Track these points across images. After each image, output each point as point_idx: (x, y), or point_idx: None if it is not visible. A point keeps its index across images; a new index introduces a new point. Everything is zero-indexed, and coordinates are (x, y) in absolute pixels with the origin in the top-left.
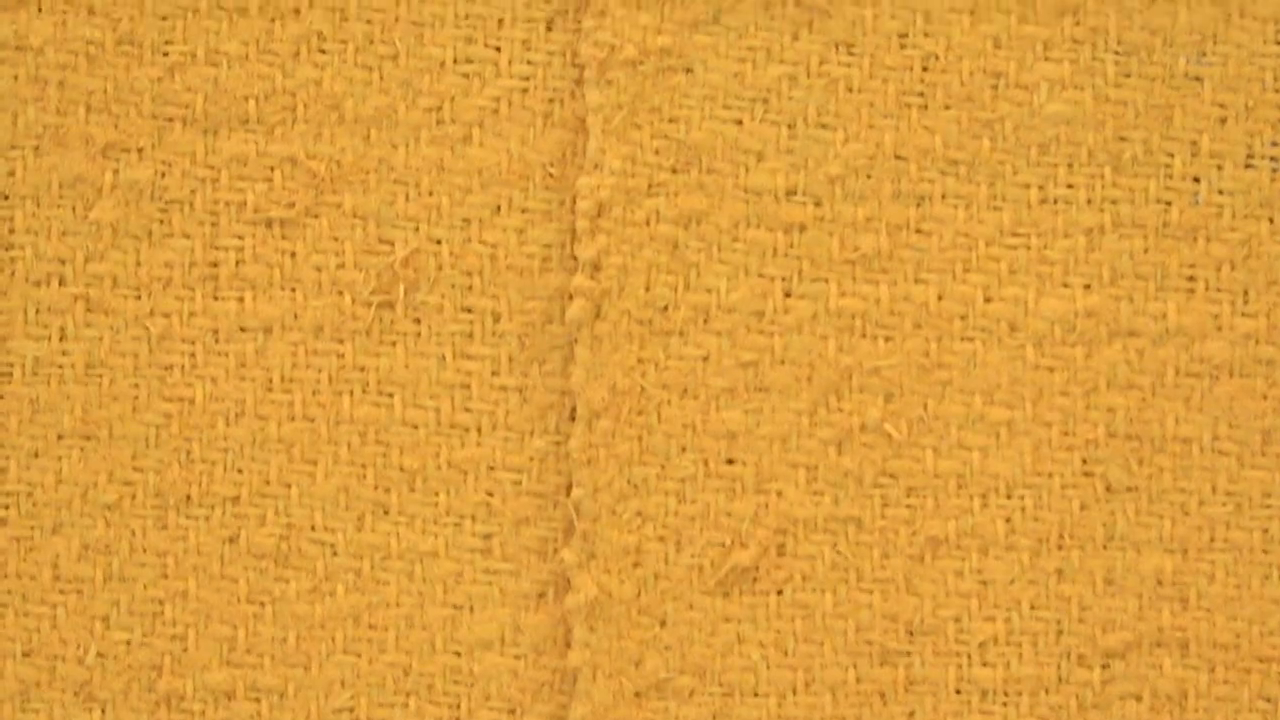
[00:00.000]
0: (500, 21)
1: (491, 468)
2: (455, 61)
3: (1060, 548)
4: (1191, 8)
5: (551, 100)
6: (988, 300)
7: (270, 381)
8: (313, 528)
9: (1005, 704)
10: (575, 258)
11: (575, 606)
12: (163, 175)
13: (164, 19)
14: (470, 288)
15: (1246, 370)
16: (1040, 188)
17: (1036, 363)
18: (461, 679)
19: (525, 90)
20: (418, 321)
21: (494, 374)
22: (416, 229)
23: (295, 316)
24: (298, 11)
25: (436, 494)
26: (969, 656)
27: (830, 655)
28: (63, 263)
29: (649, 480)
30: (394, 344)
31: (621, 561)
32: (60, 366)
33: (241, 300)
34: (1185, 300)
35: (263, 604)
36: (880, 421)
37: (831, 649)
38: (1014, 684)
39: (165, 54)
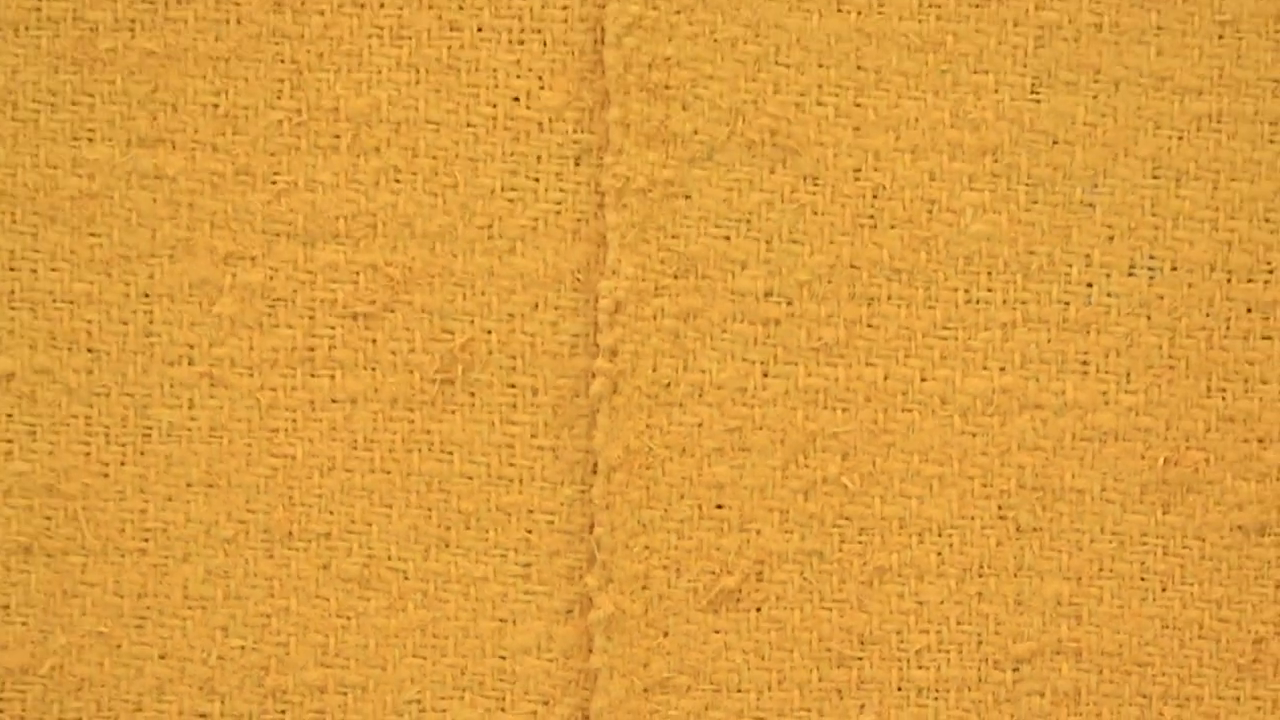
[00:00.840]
0: (538, 158)
1: (530, 511)
2: (502, 189)
3: (980, 575)
4: (1085, 149)
5: (579, 220)
6: (923, 380)
7: (356, 442)
8: (389, 558)
9: (936, 699)
10: (597, 345)
11: (596, 620)
12: (271, 278)
13: (272, 154)
14: (514, 369)
15: (1128, 437)
16: (966, 291)
17: (962, 429)
18: (505, 677)
19: (558, 212)
20: (472, 395)
21: (532, 437)
22: (472, 322)
23: (375, 391)
24: (379, 149)
25: (487, 531)
26: (908, 661)
27: (798, 660)
28: (191, 347)
29: (655, 520)
30: (453, 413)
31: (633, 585)
32: (189, 429)
33: (333, 378)
34: (1080, 380)
35: (349, 618)
36: (839, 475)
37: (799, 655)
38: (944, 684)
39: (274, 182)
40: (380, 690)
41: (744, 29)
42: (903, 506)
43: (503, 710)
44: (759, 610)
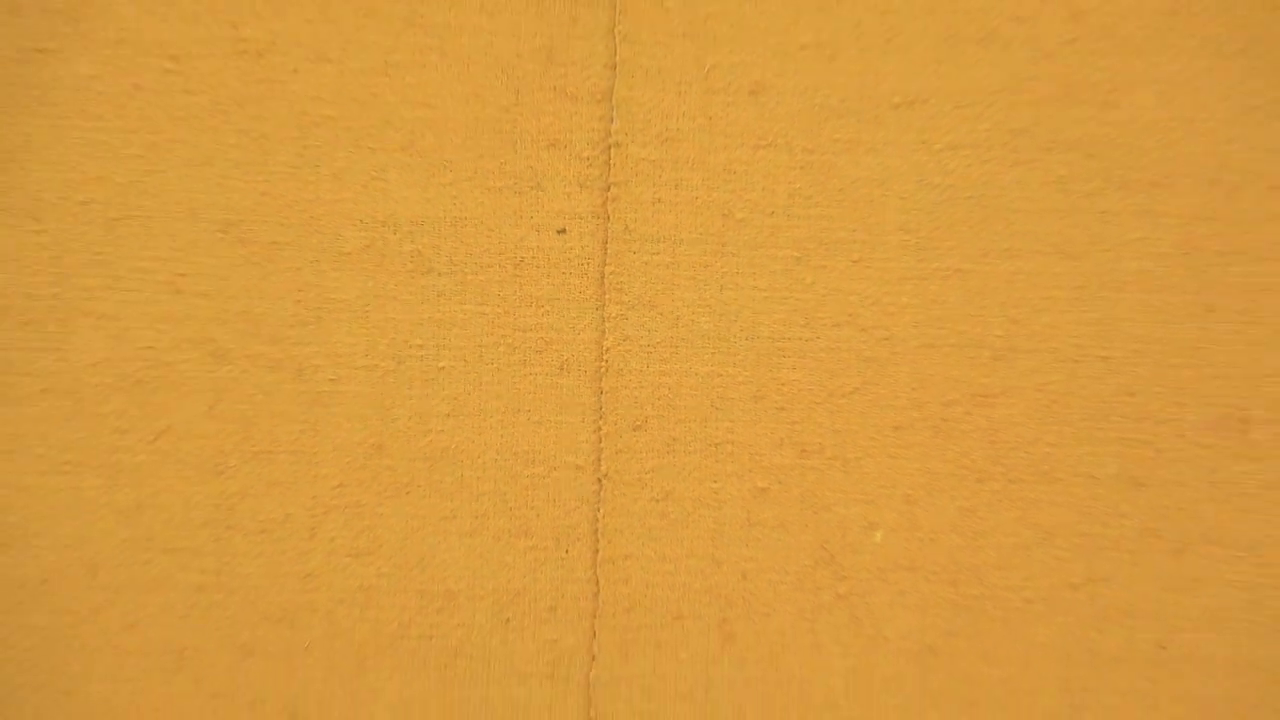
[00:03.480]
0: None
1: (588, 411)
2: (587, 362)
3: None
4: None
5: (599, 365)
6: (688, 385)
7: (557, 400)
8: (547, 427)
9: (685, 456)
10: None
11: (604, 435)
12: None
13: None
14: (597, 378)
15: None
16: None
17: (694, 411)
18: (574, 462)
19: (593, 356)
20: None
21: (590, 395)
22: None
23: (553, 386)
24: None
25: (582, 425)
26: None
27: (662, 443)
28: (511, 391)
29: (617, 408)
30: (565, 391)
31: (614, 426)
32: (510, 406)
33: (543, 383)
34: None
35: (532, 458)
36: (665, 395)
37: (666, 445)
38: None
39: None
40: (530, 471)
41: (649, 308)
42: (674, 411)
43: (579, 469)
44: (647, 432)
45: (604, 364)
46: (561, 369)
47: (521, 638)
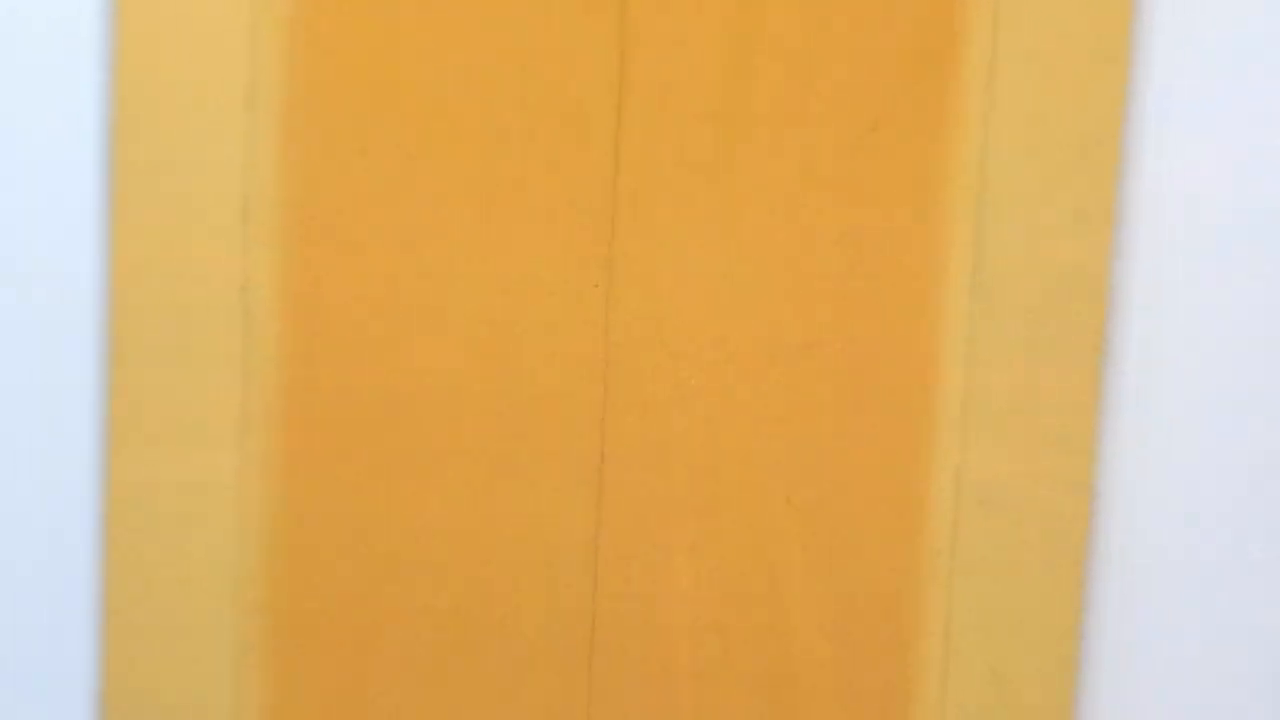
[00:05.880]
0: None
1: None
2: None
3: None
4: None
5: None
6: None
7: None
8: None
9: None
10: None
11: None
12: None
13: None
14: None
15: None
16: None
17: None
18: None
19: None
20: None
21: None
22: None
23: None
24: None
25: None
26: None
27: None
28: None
29: (598, 351)
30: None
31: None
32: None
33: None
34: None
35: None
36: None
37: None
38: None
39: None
40: (578, 348)
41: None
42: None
43: (597, 353)
44: (628, 329)
45: (609, 302)
46: (590, 305)
47: (552, 402)
